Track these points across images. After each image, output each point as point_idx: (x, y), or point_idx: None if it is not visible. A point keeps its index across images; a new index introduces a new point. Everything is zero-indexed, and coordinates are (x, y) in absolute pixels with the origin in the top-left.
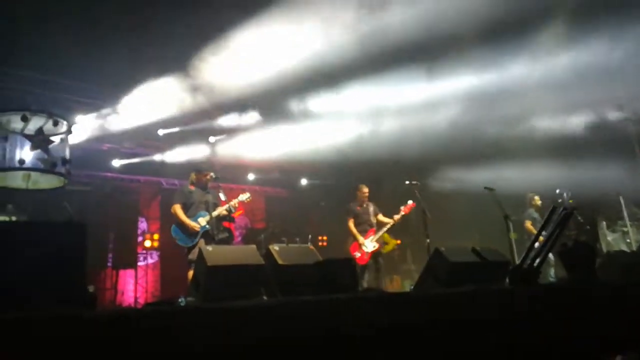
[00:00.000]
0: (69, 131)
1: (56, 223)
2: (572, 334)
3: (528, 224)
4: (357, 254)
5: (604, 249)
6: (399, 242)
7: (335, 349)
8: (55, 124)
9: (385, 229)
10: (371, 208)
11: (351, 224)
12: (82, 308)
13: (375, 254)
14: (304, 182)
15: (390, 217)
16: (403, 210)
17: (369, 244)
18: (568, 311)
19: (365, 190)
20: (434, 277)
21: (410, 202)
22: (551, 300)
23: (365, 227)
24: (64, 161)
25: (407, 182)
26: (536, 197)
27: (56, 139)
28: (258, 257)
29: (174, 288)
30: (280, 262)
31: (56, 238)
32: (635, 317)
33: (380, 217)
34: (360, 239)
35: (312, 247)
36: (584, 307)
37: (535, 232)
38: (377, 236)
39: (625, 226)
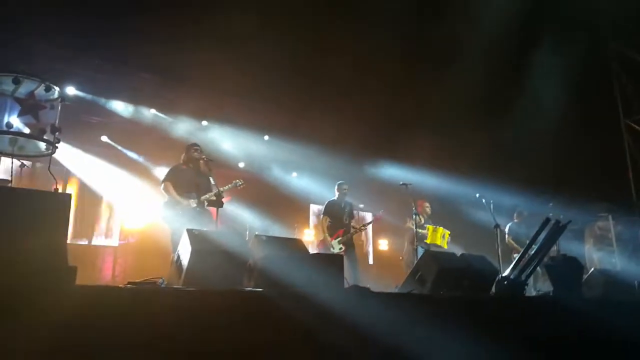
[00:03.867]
0: (61, 98)
1: (42, 191)
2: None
3: (509, 238)
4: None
5: (589, 267)
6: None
7: (312, 344)
8: (48, 89)
9: (352, 232)
10: (347, 208)
11: (325, 222)
12: (62, 280)
13: None
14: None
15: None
16: (372, 219)
17: (336, 246)
18: (552, 325)
19: (345, 187)
20: (421, 280)
21: (380, 212)
22: (534, 313)
23: (336, 227)
24: (53, 129)
25: (400, 183)
26: (525, 212)
27: (47, 105)
28: (244, 245)
29: (155, 269)
30: (265, 252)
31: (42, 205)
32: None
33: (353, 222)
34: (328, 239)
35: (300, 239)
36: (567, 321)
37: (516, 247)
38: (345, 238)
39: (612, 245)
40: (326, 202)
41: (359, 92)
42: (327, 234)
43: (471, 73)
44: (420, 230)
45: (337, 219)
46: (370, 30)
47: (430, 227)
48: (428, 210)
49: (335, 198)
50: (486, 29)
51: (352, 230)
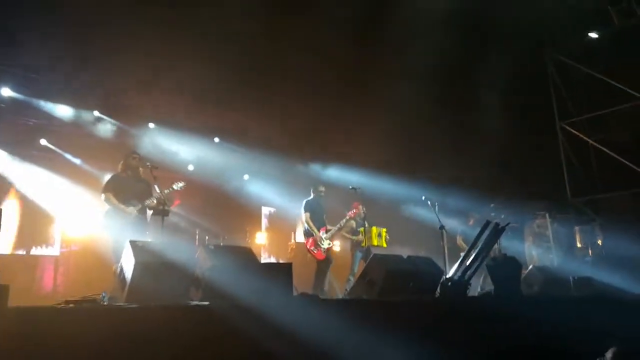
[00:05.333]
0: None
1: None
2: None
3: (460, 240)
4: (314, 250)
5: (528, 264)
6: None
7: (260, 356)
8: None
9: (336, 228)
10: (325, 208)
11: (308, 218)
12: None
13: (328, 252)
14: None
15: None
16: (349, 215)
17: (325, 241)
18: (492, 323)
19: (322, 189)
20: (370, 283)
21: (353, 211)
22: (476, 312)
23: (319, 224)
24: None
25: (350, 187)
26: (477, 215)
27: None
28: (191, 255)
29: (99, 278)
30: (212, 263)
31: None
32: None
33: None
34: (318, 233)
35: (250, 248)
36: (507, 319)
37: (465, 247)
38: (329, 234)
39: (549, 242)
40: (304, 201)
41: (309, 95)
42: (315, 229)
43: (414, 77)
44: (353, 237)
45: (318, 215)
46: (321, 31)
47: (362, 229)
48: (362, 212)
49: (311, 198)
50: (431, 32)
51: (331, 229)
